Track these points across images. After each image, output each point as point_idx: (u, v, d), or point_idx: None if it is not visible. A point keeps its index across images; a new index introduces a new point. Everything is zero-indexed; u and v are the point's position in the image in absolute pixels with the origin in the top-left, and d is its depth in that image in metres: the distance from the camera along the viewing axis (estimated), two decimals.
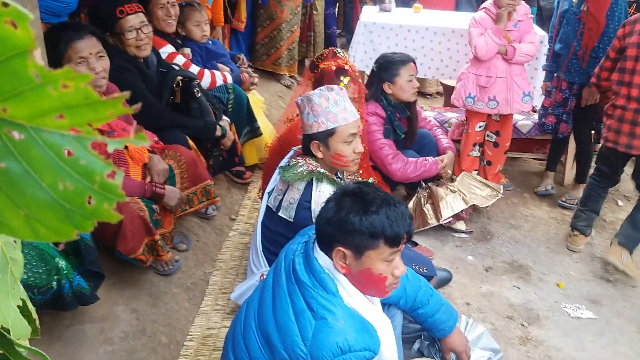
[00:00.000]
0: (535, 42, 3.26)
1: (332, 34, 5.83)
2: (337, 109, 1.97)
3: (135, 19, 2.46)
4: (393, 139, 3.01)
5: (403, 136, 3.08)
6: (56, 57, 2.05)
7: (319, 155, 2.02)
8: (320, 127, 1.97)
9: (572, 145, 3.59)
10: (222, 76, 3.12)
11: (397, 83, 2.92)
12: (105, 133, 2.19)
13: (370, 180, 3.02)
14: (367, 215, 1.43)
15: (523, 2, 3.24)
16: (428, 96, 5.37)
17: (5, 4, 0.35)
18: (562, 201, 3.47)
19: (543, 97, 3.55)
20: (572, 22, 3.17)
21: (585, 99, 3.19)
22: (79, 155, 0.39)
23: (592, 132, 3.42)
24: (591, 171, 3.13)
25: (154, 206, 2.19)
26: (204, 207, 2.55)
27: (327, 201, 1.54)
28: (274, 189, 2.17)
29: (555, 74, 3.39)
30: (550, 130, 3.51)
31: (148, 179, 2.22)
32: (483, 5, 3.32)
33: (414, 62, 2.97)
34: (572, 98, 3.30)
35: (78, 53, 2.09)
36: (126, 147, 2.20)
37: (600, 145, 3.00)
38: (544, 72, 3.52)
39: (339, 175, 2.19)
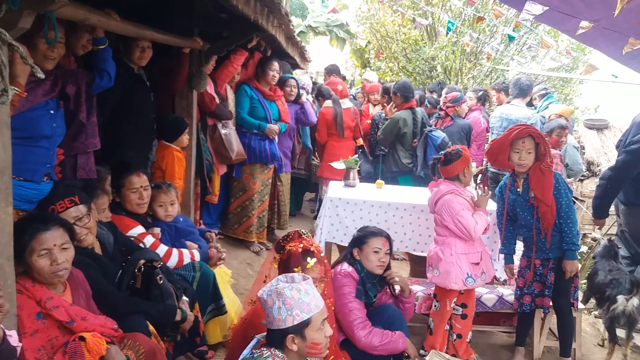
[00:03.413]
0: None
1: None
2: (308, 298, 2.01)
3: (67, 215, 2.39)
4: (365, 301, 3.02)
5: (374, 300, 3.08)
6: (20, 247, 2.03)
7: (294, 348, 1.99)
8: (296, 320, 1.97)
9: (538, 317, 3.62)
10: (189, 254, 3.16)
11: (363, 250, 3.04)
12: (64, 323, 2.14)
13: None
14: None
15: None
16: (396, 258, 5.46)
17: None
18: None
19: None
20: (526, 208, 3.37)
21: (569, 271, 3.27)
22: None
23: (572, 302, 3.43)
24: None
25: None
26: None
27: None
28: None
29: (522, 256, 3.51)
30: (529, 310, 3.49)
31: None
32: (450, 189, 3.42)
33: (388, 239, 3.07)
34: (550, 272, 3.34)
35: (42, 245, 2.08)
36: (83, 339, 2.13)
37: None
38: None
39: None
